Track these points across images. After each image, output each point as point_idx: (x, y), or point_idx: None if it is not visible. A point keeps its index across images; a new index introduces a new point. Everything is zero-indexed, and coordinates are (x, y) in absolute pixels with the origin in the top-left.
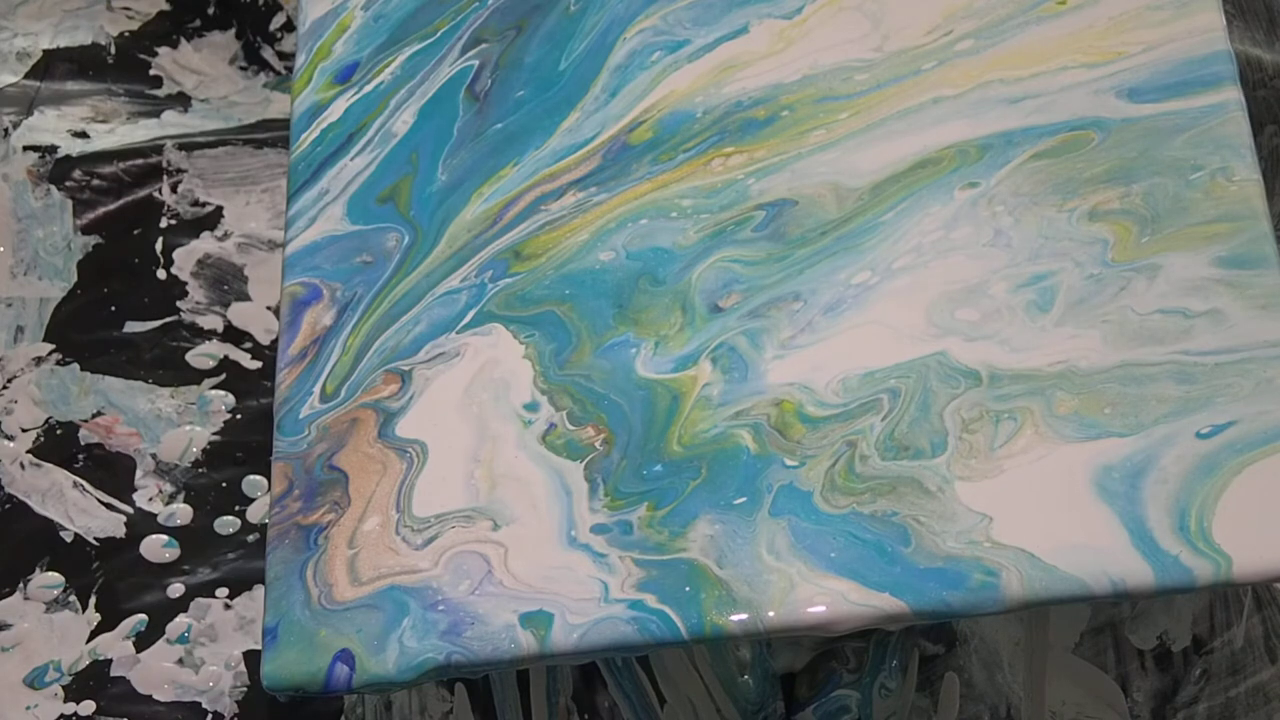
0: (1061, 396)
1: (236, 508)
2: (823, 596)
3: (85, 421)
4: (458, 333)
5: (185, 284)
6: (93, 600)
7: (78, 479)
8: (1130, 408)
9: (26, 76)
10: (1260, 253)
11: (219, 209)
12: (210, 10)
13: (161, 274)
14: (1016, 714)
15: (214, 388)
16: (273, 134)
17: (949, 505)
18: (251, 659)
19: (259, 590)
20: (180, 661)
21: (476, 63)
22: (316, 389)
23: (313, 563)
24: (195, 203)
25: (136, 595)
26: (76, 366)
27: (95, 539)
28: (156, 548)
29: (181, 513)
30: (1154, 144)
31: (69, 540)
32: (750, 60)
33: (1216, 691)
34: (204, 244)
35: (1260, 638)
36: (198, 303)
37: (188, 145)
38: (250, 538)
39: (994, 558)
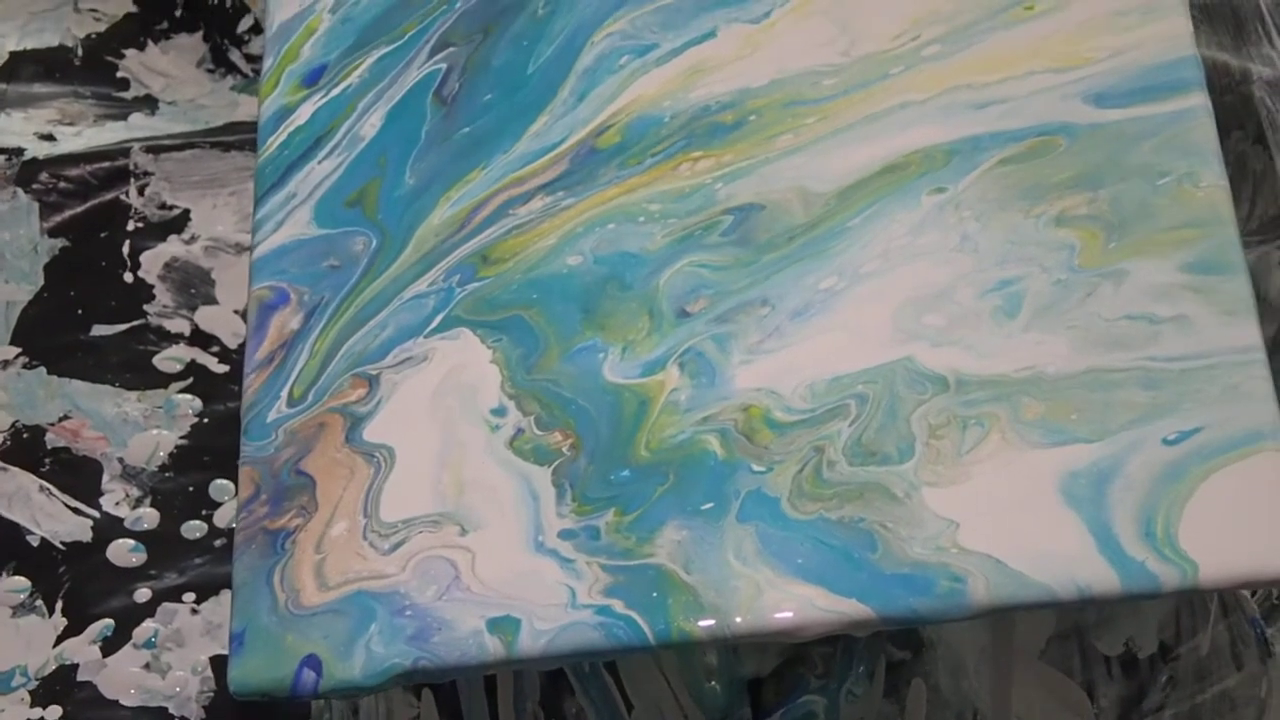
0: (1028, 402)
1: (203, 512)
2: (790, 602)
3: (52, 425)
4: (425, 337)
5: (152, 287)
6: (59, 605)
7: (44, 483)
8: (1097, 413)
9: None
10: (1227, 259)
11: (186, 212)
12: (177, 13)
13: (128, 277)
14: None
15: (181, 391)
16: (240, 137)
17: (916, 511)
18: (218, 664)
19: (226, 595)
20: (147, 666)
21: (444, 66)
22: (284, 393)
23: (280, 567)
24: (162, 206)
25: (103, 600)
26: (43, 370)
27: (62, 543)
28: (123, 552)
29: (148, 517)
30: (1121, 149)
31: (35, 544)
32: (718, 65)
33: (1183, 698)
34: (171, 247)
35: (1226, 644)
36: (165, 306)
37: (155, 148)
38: (217, 542)
39: (960, 563)
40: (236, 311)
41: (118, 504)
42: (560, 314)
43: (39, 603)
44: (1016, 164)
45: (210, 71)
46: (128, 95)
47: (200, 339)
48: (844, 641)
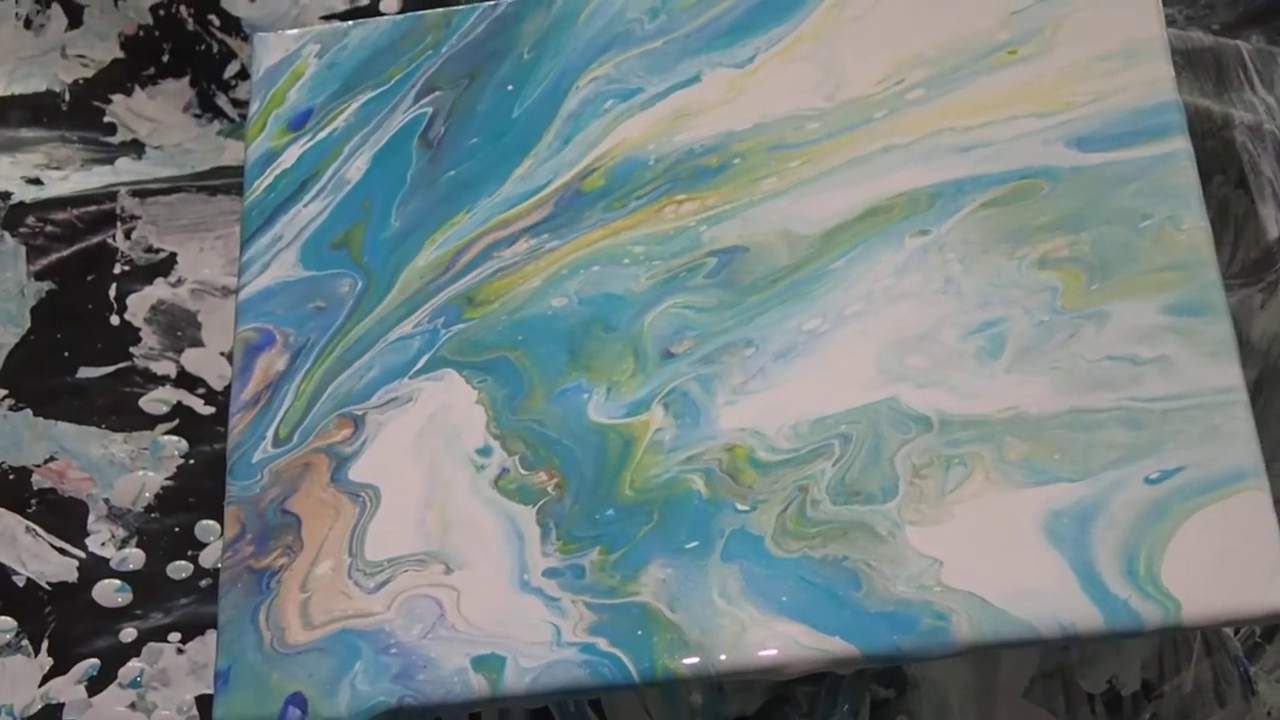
0: (1011, 442)
1: (189, 552)
2: (774, 640)
3: (38, 466)
4: (410, 378)
5: (139, 330)
6: (45, 644)
7: (30, 524)
8: (1079, 453)
9: None
10: (1208, 300)
11: (173, 255)
12: (164, 58)
13: (115, 320)
14: None
15: (167, 433)
16: (226, 181)
17: (900, 550)
18: (204, 703)
19: (211, 635)
20: (133, 706)
21: (430, 110)
22: (269, 434)
23: (265, 606)
24: (149, 249)
25: (89, 640)
26: (29, 412)
27: (48, 583)
28: (109, 592)
29: (134, 557)
30: (1103, 193)
31: (21, 585)
32: (702, 108)
33: None
34: (157, 290)
35: (1209, 683)
36: (151, 349)
37: (142, 192)
38: (203, 582)
39: (944, 602)
40: (222, 354)
41: (103, 544)
42: (545, 355)
43: (25, 642)
44: (999, 207)
45: (197, 116)
46: (114, 140)
47: (186, 381)
48: (828, 680)
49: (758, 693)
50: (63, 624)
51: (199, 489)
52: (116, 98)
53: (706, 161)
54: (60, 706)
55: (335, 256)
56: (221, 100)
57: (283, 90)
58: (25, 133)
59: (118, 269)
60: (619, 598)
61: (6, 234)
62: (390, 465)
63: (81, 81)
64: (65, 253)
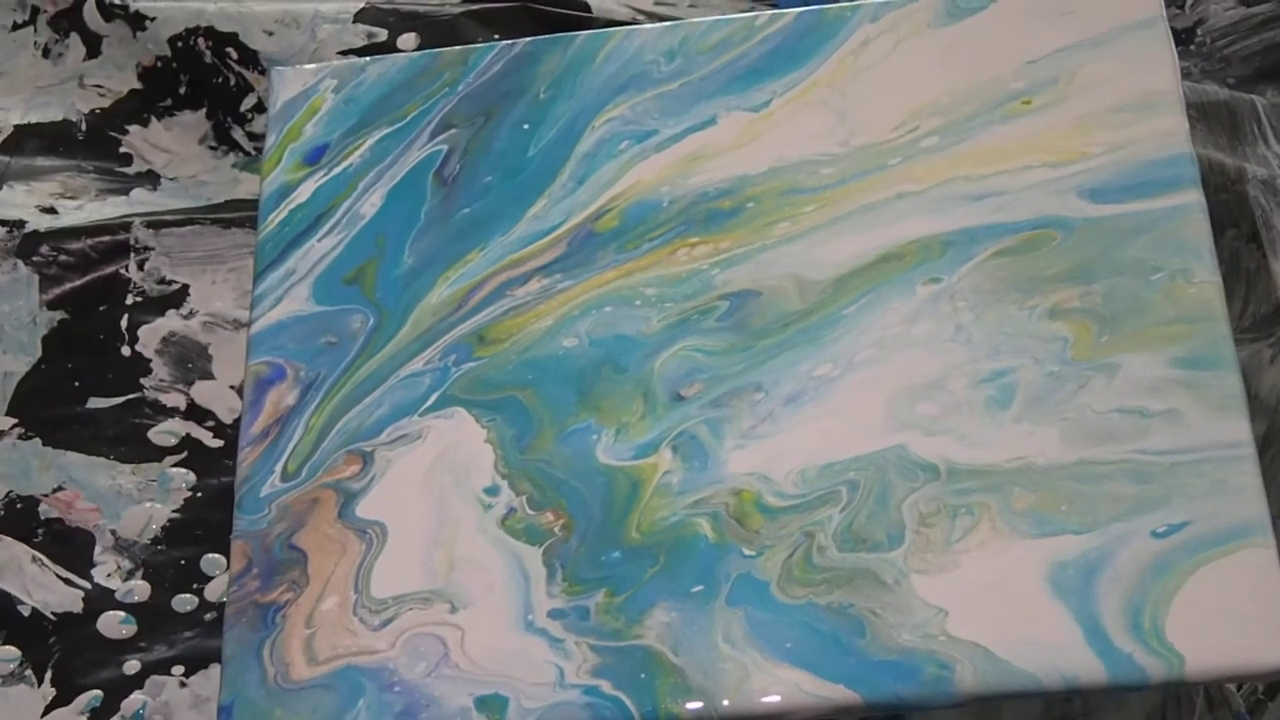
0: (1019, 492)
1: (195, 585)
2: (777, 686)
3: (46, 496)
4: (420, 415)
5: (149, 361)
6: (48, 675)
7: (37, 553)
8: (1086, 505)
9: None
10: (1218, 354)
11: (185, 287)
12: (181, 90)
13: (126, 351)
14: None
15: (175, 465)
16: (240, 214)
17: (905, 598)
18: None
19: (215, 669)
20: None
21: (445, 148)
22: (278, 468)
23: (270, 641)
24: (161, 280)
25: (92, 671)
26: (39, 441)
27: (53, 614)
28: (114, 624)
29: (139, 589)
30: (1115, 244)
31: (26, 614)
32: (717, 152)
33: None
34: (169, 322)
35: None
36: (161, 380)
37: (156, 223)
38: (208, 616)
39: (948, 651)
40: (232, 387)
41: (109, 576)
42: (555, 395)
43: (28, 672)
44: (1011, 256)
45: (212, 148)
46: (130, 170)
47: (196, 413)
48: None
49: None
50: (66, 655)
51: (206, 522)
52: (133, 128)
53: (720, 204)
54: None
55: (348, 292)
56: (237, 133)
57: (299, 125)
58: (41, 161)
59: (130, 300)
60: (623, 640)
61: (20, 262)
62: (398, 502)
63: (98, 111)
64: (78, 282)
